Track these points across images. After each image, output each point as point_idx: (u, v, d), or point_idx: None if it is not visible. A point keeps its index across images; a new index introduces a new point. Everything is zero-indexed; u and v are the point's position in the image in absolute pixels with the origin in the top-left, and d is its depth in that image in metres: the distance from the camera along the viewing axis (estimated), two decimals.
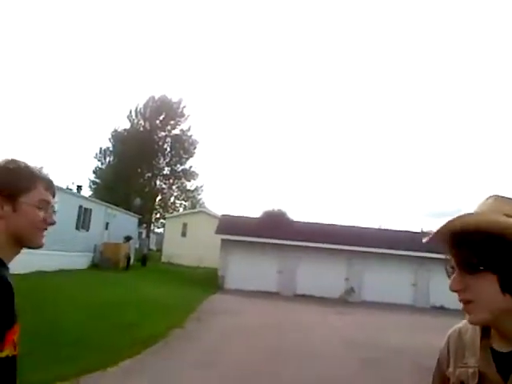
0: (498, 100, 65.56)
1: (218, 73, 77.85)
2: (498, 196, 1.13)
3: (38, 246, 1.47)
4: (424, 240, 1.15)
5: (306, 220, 26.87)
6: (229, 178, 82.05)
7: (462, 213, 1.06)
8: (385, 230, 27.59)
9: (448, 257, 1.11)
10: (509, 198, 1.11)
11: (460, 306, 1.09)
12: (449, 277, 1.10)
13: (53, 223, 1.49)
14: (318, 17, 68.27)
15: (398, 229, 27.03)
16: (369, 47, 70.45)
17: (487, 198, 1.14)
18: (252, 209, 71.37)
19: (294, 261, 23.61)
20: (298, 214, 61.73)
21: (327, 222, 26.62)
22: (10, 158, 1.53)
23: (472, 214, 1.08)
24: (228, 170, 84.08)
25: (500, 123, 65.90)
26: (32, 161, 1.49)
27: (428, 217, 65.10)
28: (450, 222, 1.05)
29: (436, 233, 1.08)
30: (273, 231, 23.72)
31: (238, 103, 78.73)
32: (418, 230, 28.30)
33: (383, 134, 73.86)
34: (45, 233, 1.49)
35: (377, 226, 29.51)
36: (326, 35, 72.56)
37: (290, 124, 75.82)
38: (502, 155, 63.48)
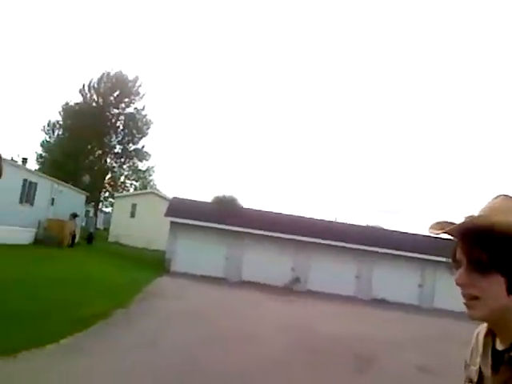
0: (450, 103, 67.83)
1: (176, 53, 76.40)
2: (507, 196, 1.15)
3: None
4: (435, 232, 1.14)
5: (257, 208, 27.01)
6: (181, 161, 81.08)
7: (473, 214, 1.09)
8: (332, 222, 28.04)
9: (459, 252, 1.11)
10: None
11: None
12: (452, 271, 1.13)
13: None
14: (304, 11, 68.13)
15: (346, 222, 27.61)
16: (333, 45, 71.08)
17: (495, 198, 1.15)
18: (203, 193, 71.00)
19: (241, 247, 23.75)
20: (251, 201, 61.95)
21: (277, 211, 26.86)
22: None
23: (489, 215, 1.09)
24: (181, 153, 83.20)
25: (445, 126, 68.28)
26: None
27: (380, 212, 67.33)
28: (469, 221, 1.08)
29: (452, 228, 1.09)
30: (222, 217, 23.74)
31: (195, 86, 77.69)
32: (366, 225, 29.07)
33: (342, 131, 75.04)
34: None
35: (332, 219, 29.83)
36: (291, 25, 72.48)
37: (248, 109, 75.62)
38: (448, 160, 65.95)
